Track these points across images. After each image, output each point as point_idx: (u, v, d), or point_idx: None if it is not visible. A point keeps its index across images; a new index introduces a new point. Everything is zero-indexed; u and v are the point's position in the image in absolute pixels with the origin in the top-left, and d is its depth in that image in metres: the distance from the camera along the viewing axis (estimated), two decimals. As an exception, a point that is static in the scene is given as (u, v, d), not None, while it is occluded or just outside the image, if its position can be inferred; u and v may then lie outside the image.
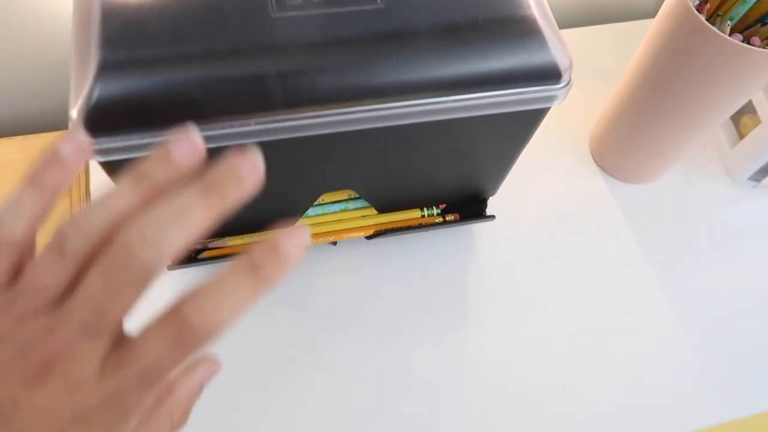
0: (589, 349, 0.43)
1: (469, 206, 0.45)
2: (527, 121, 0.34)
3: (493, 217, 0.45)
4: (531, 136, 0.36)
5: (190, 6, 0.29)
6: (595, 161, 0.52)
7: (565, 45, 0.31)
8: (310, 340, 0.42)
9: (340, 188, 0.38)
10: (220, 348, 0.41)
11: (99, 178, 0.48)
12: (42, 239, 0.19)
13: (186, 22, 0.29)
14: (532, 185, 0.50)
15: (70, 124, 0.28)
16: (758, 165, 0.50)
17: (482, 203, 0.45)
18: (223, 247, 0.42)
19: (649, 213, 0.50)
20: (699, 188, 0.52)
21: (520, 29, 0.30)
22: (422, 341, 0.42)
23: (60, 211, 0.51)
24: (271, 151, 0.33)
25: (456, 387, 0.41)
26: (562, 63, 0.31)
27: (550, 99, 0.32)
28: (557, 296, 0.45)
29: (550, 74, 0.31)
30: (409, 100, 0.30)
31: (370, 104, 0.30)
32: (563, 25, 0.64)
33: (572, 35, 0.60)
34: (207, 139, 0.29)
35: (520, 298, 0.45)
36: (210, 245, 0.42)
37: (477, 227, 0.48)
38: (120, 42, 0.28)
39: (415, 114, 0.31)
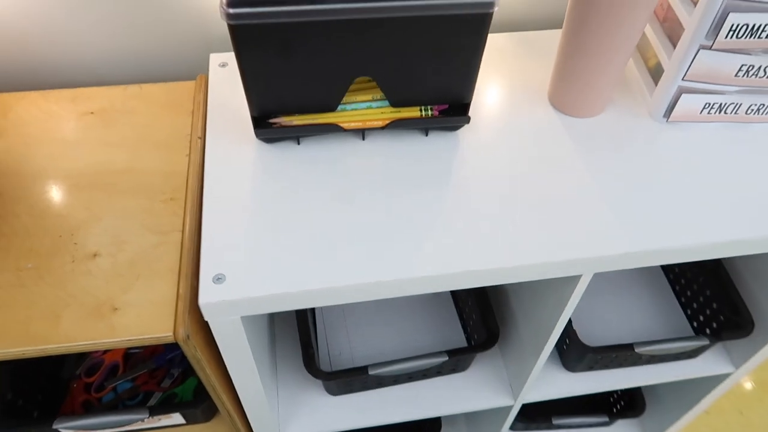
0: (534, 198, 0.63)
1: (454, 113, 0.66)
2: (478, 25, 0.56)
3: (469, 118, 0.66)
4: (484, 40, 0.58)
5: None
6: (551, 103, 0.73)
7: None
8: (343, 188, 0.63)
9: (364, 74, 0.61)
10: (286, 191, 0.63)
11: (217, 98, 0.72)
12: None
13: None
14: (502, 118, 0.72)
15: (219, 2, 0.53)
16: (665, 105, 0.70)
17: (464, 108, 0.66)
18: (288, 123, 0.64)
19: (590, 139, 0.70)
20: (628, 122, 0.72)
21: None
22: (419, 195, 0.63)
23: (184, 128, 0.75)
24: (316, 35, 0.55)
25: (436, 220, 0.61)
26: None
27: (489, 5, 0.54)
28: (513, 184, 0.65)
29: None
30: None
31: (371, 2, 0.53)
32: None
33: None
34: (281, 14, 0.53)
35: (486, 178, 0.65)
36: (281, 122, 0.64)
37: (461, 137, 0.69)
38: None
39: (399, 8, 0.53)
